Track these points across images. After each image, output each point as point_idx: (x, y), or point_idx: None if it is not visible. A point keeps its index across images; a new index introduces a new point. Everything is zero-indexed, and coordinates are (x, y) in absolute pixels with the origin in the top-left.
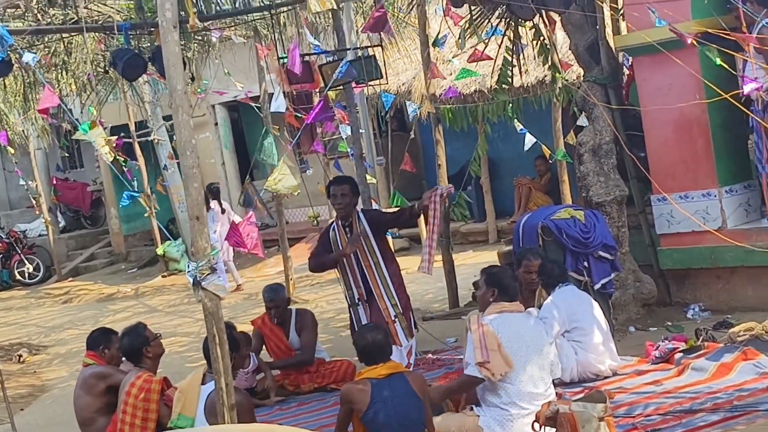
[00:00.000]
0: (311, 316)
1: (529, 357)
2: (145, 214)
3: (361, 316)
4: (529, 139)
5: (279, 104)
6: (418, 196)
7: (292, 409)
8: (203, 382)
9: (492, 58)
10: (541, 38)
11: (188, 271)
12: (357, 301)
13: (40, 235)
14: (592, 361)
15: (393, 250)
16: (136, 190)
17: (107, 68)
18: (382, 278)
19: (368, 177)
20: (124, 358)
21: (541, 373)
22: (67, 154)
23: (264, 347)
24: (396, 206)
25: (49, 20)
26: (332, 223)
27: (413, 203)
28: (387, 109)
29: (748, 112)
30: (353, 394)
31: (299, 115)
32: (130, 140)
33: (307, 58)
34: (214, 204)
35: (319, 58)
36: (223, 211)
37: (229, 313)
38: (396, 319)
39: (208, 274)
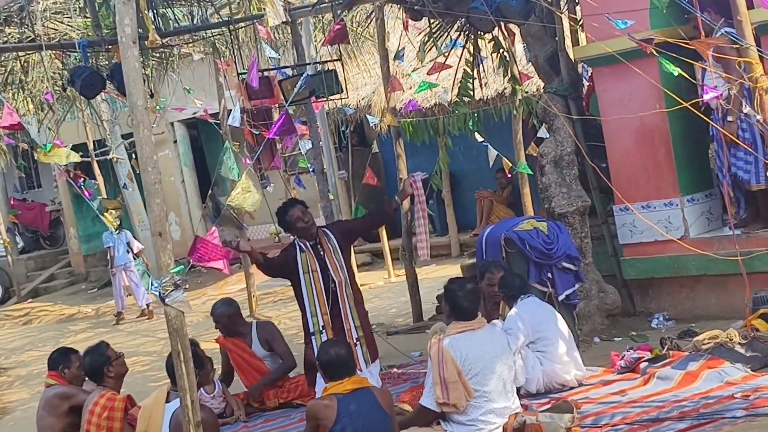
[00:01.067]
0: (275, 326)
1: (494, 372)
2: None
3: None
4: (492, 153)
5: (235, 118)
6: None
7: (257, 426)
8: (168, 400)
9: (452, 66)
10: (501, 50)
11: (152, 288)
12: (321, 328)
13: None
14: (557, 371)
15: (356, 264)
16: (97, 210)
17: (65, 86)
18: (349, 297)
19: (330, 195)
20: (87, 378)
21: (506, 387)
22: (24, 175)
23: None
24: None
25: (5, 39)
26: (296, 242)
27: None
28: (347, 123)
29: (709, 121)
30: (319, 410)
31: (256, 132)
32: (89, 159)
33: (266, 73)
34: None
35: (279, 74)
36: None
37: (192, 332)
38: (358, 342)
39: (172, 291)
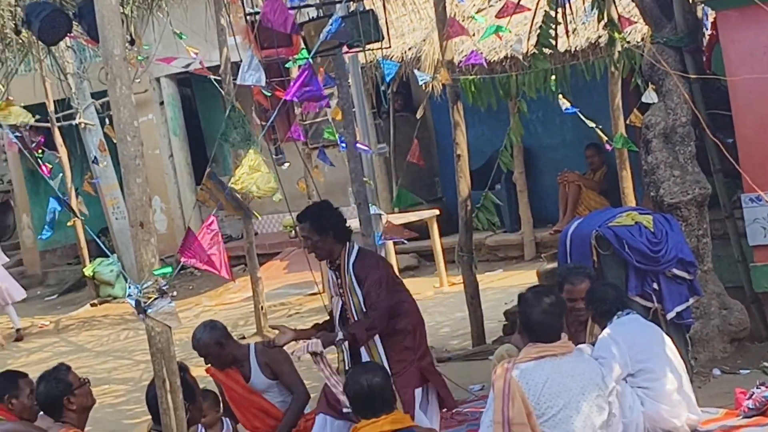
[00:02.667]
0: (280, 349)
1: (579, 414)
2: (68, 223)
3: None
4: (582, 123)
5: (256, 76)
6: (429, 197)
7: None
8: None
9: (529, 9)
10: None
11: (129, 295)
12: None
13: None
14: (663, 414)
15: (398, 268)
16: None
17: (18, 28)
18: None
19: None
20: (41, 411)
21: None
22: None
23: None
24: (401, 209)
25: None
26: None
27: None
28: (388, 82)
29: None
30: None
31: (268, 93)
32: (48, 125)
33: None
34: None
35: (300, 14)
36: None
37: (181, 353)
38: None
39: (156, 299)
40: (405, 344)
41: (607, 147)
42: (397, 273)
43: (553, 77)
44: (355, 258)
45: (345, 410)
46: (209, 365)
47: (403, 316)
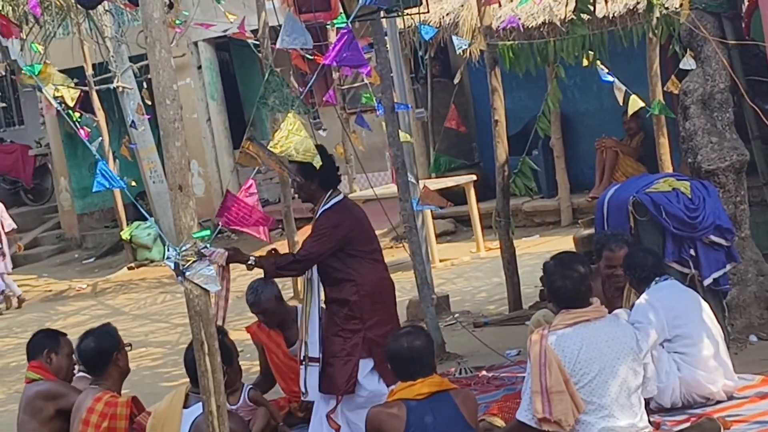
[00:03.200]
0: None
1: (615, 379)
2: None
3: None
4: (620, 89)
5: (300, 40)
6: (466, 162)
7: None
8: (186, 405)
9: None
10: None
11: (168, 258)
12: None
13: None
14: (700, 380)
15: (435, 233)
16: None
17: None
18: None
19: (402, 134)
20: (79, 372)
21: (632, 399)
22: (3, 105)
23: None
24: (438, 174)
25: None
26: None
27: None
28: (427, 47)
29: None
30: (383, 420)
31: (309, 57)
32: (86, 89)
33: None
34: None
35: None
36: None
37: None
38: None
39: (195, 262)
40: (348, 312)
41: (646, 112)
42: (433, 238)
43: (592, 44)
44: (327, 207)
45: None
46: (256, 323)
47: (351, 285)
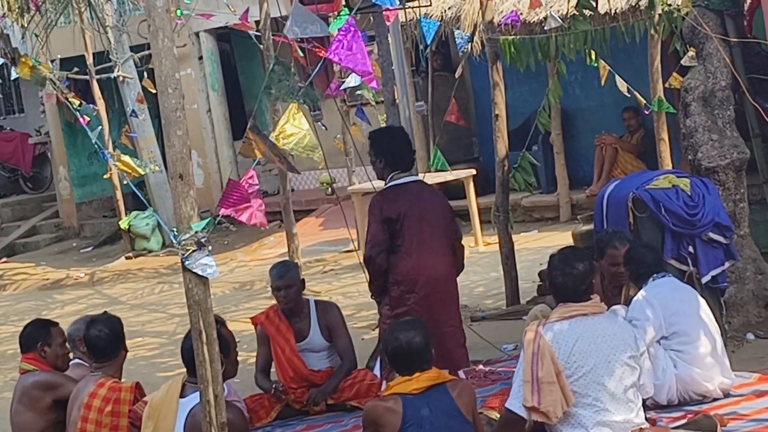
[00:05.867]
0: (339, 310)
1: (610, 374)
2: (105, 176)
3: None
4: (621, 85)
5: (314, 27)
6: (466, 157)
7: None
8: (182, 395)
9: None
10: None
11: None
12: None
13: None
14: (696, 378)
15: None
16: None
17: None
18: None
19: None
20: (75, 359)
21: (627, 394)
22: (0, 95)
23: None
24: (436, 169)
25: None
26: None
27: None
28: (429, 43)
29: None
30: (380, 414)
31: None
32: (87, 77)
33: None
34: None
35: None
36: None
37: (216, 308)
38: None
39: (194, 251)
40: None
41: (646, 110)
42: None
43: (593, 39)
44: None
45: None
46: (264, 314)
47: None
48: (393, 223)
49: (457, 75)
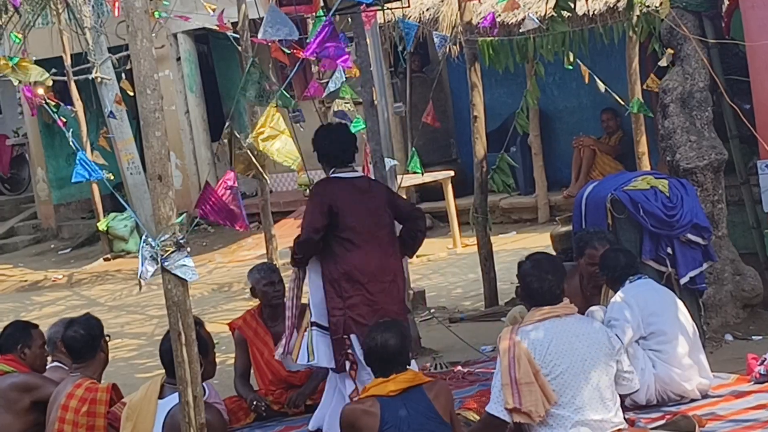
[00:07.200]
0: None
1: (586, 375)
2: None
3: None
4: (598, 87)
5: (284, 31)
6: (443, 159)
7: None
8: (161, 396)
9: None
10: None
11: (144, 249)
12: None
13: None
14: (675, 378)
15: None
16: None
17: None
18: None
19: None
20: (54, 362)
21: (604, 394)
22: None
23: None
24: (413, 171)
25: None
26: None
27: None
28: (410, 46)
29: None
30: (357, 417)
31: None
32: (65, 79)
33: None
34: None
35: None
36: None
37: (194, 309)
38: None
39: (173, 252)
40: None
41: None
42: None
43: (571, 41)
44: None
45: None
46: (241, 318)
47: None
48: (333, 213)
49: (434, 76)
